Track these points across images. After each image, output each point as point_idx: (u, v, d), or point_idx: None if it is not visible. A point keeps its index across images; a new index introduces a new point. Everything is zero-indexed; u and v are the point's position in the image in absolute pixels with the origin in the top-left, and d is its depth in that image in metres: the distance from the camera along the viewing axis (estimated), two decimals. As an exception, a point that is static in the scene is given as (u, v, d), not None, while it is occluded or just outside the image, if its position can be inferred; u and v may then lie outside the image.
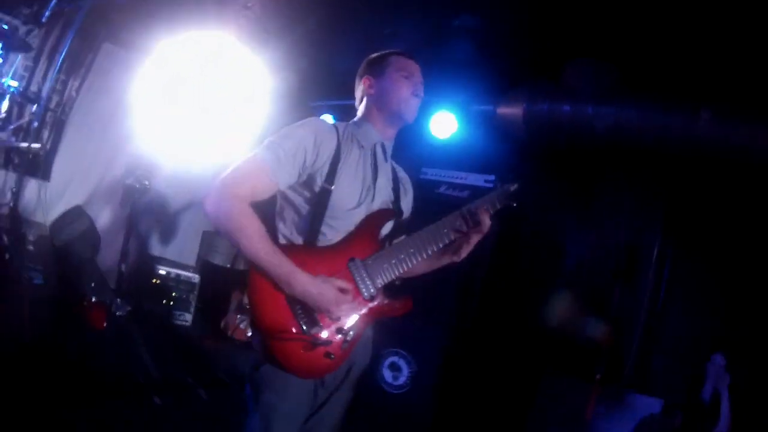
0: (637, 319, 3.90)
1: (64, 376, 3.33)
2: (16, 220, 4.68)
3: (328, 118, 5.39)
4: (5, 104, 4.63)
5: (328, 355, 1.85)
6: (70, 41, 5.12)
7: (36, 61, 5.26)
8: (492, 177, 4.40)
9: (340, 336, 1.88)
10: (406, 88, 2.09)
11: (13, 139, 4.85)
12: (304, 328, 1.83)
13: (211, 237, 5.89)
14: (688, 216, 3.86)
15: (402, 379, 4.29)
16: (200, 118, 5.33)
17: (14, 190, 4.74)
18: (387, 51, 2.18)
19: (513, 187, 2.11)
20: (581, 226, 4.28)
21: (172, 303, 5.13)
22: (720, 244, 3.65)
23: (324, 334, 1.86)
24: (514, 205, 2.11)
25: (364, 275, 1.95)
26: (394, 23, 4.23)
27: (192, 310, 5.24)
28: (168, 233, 5.82)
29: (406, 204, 2.24)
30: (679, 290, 3.89)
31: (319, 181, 1.93)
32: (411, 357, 4.28)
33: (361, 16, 4.27)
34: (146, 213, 5.52)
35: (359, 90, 2.19)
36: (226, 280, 5.39)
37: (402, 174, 2.28)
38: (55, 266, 4.50)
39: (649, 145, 3.60)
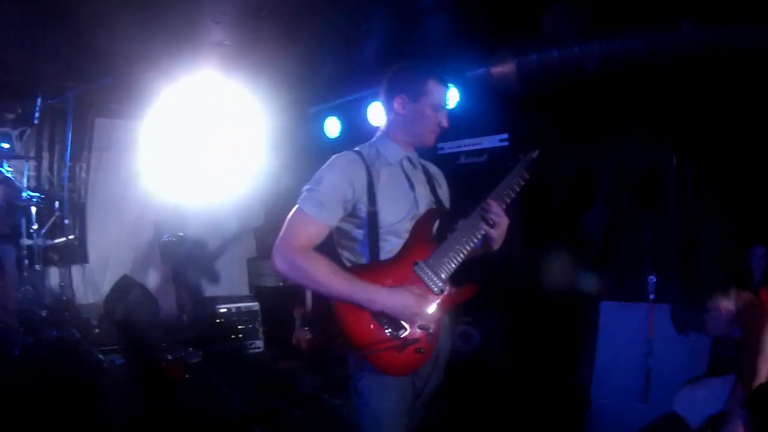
0: (673, 237, 3.94)
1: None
2: (74, 309, 4.90)
3: (334, 122, 5.65)
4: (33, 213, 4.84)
5: (418, 350, 2.04)
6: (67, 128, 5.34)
7: (38, 159, 5.46)
8: (505, 135, 4.47)
9: (424, 332, 2.06)
10: (435, 121, 2.21)
11: (48, 240, 5.07)
12: (393, 334, 2.02)
13: (256, 263, 6.06)
14: (697, 129, 3.84)
15: (473, 345, 4.46)
16: (207, 156, 5.52)
17: (62, 283, 4.96)
18: (425, 71, 2.23)
19: (534, 155, 2.24)
20: (598, 164, 4.32)
21: (240, 335, 5.31)
22: (734, 147, 3.62)
23: (411, 335, 2.04)
24: (539, 170, 2.23)
25: (430, 273, 2.11)
26: (370, 14, 4.29)
27: (260, 336, 5.42)
28: (215, 272, 6.00)
29: (444, 196, 2.37)
30: (705, 204, 3.90)
31: (363, 207, 2.10)
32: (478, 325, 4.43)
33: (334, 16, 4.33)
34: (188, 261, 5.70)
35: (387, 103, 2.27)
36: (283, 299, 5.54)
37: (433, 170, 2.41)
38: (122, 340, 4.73)
39: (641, 69, 3.62)
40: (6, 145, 5.05)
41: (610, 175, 4.25)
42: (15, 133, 5.11)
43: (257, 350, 5.36)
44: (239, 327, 5.32)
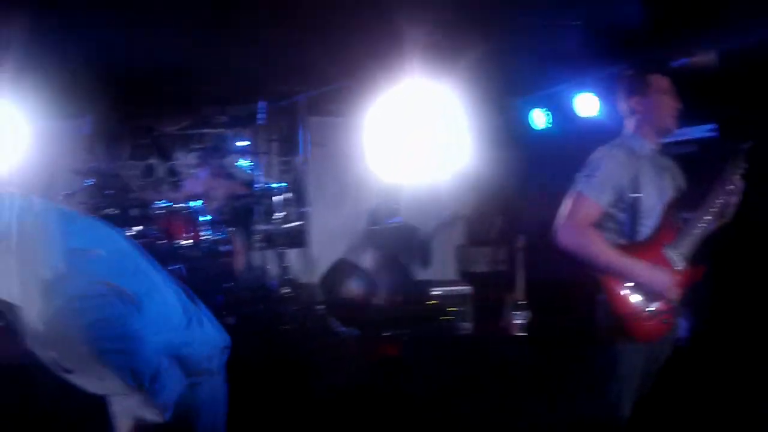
0: None
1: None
2: (297, 288, 5.34)
3: (540, 114, 5.60)
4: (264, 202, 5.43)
5: (665, 320, 2.40)
6: (281, 126, 5.90)
7: (267, 154, 6.07)
8: (712, 125, 4.34)
9: (669, 304, 2.40)
10: (669, 105, 2.54)
11: (276, 226, 5.60)
12: (647, 305, 2.37)
13: (465, 250, 6.15)
14: None
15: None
16: (419, 148, 5.71)
17: (286, 265, 5.43)
18: (641, 68, 2.62)
19: (747, 146, 2.52)
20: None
21: (451, 318, 5.40)
22: None
23: (661, 306, 2.38)
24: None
25: (676, 255, 2.45)
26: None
27: (470, 319, 5.47)
28: (426, 257, 6.17)
29: (682, 184, 2.64)
30: None
31: (629, 195, 2.43)
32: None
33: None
34: (401, 246, 5.93)
35: (627, 107, 2.60)
36: (494, 285, 5.59)
37: (668, 162, 2.66)
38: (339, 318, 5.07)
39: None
40: (245, 143, 5.74)
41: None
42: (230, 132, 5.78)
43: (466, 332, 5.42)
44: (450, 309, 5.42)
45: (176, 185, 5.90)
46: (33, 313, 1.35)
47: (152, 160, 6.21)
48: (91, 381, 1.53)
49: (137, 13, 4.23)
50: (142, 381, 1.43)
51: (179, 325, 1.61)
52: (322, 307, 5.18)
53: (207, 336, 1.70)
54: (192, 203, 5.06)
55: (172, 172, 6.14)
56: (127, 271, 1.51)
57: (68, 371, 1.49)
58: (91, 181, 5.35)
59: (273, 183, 5.68)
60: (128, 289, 1.44)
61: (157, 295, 1.55)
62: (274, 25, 4.74)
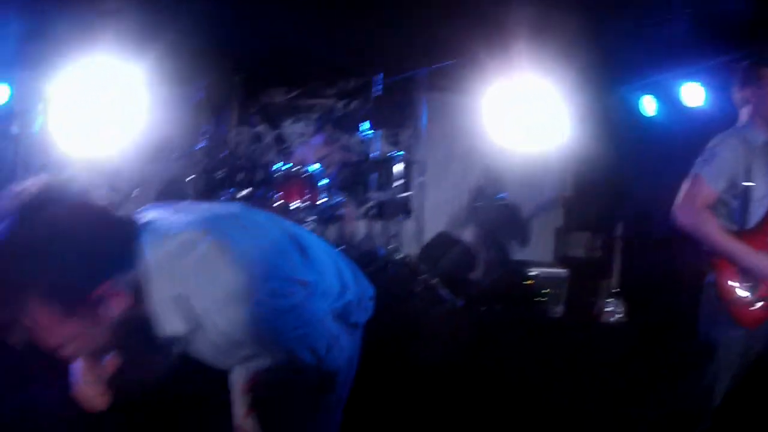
0: None
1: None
2: (404, 256, 5.65)
3: (650, 101, 5.61)
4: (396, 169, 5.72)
5: (765, 307, 2.48)
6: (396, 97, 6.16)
7: (380, 127, 6.30)
8: None
9: None
10: None
11: (385, 196, 5.92)
12: (752, 290, 2.48)
13: (564, 234, 6.26)
14: None
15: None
16: (526, 127, 5.85)
17: (393, 234, 5.74)
18: (759, 61, 2.65)
19: None
20: None
21: (544, 300, 5.55)
22: None
23: (763, 292, 2.48)
24: None
25: None
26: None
27: (563, 302, 5.59)
28: (524, 237, 6.35)
29: None
30: None
31: (741, 182, 2.53)
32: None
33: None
34: (501, 224, 6.13)
35: (741, 98, 2.67)
36: (590, 270, 5.69)
37: None
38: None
39: None
40: (363, 114, 6.09)
41: None
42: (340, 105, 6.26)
43: (557, 315, 5.55)
44: (544, 291, 5.56)
45: (286, 152, 6.33)
46: (215, 328, 1.32)
47: (261, 128, 6.69)
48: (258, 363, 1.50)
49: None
50: (319, 355, 1.47)
51: (344, 286, 1.65)
52: (429, 275, 5.41)
53: (363, 289, 1.75)
54: (310, 167, 5.35)
55: (281, 139, 6.59)
56: (297, 256, 1.51)
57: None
58: (203, 144, 5.85)
59: (390, 152, 5.97)
60: (303, 274, 1.46)
61: (322, 267, 1.58)
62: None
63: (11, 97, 5.45)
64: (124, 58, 5.33)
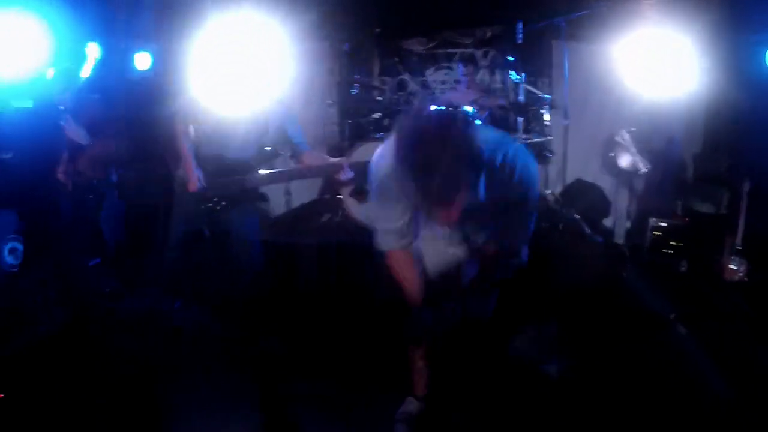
0: None
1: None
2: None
3: None
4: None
5: None
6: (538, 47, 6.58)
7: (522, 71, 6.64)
8: None
9: None
10: None
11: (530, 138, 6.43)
12: None
13: (691, 187, 6.58)
14: None
15: None
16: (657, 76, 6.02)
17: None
18: None
19: None
20: None
21: (671, 252, 6.02)
22: None
23: None
24: None
25: None
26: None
27: (688, 256, 6.02)
28: (655, 190, 6.70)
29: None
30: None
31: None
32: None
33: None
34: (633, 175, 6.55)
35: None
36: (715, 226, 5.94)
37: None
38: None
39: None
40: (511, 59, 6.45)
41: None
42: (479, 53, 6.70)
43: (682, 269, 5.99)
44: (672, 243, 6.02)
45: (434, 97, 6.80)
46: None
47: (404, 76, 7.13)
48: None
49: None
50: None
51: None
52: (572, 212, 5.95)
53: None
54: (465, 108, 5.72)
55: (426, 86, 7.04)
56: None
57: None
58: (355, 91, 6.33)
59: (535, 97, 6.38)
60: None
61: None
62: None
63: (153, 64, 5.72)
64: (268, 16, 5.42)
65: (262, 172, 4.25)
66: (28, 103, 4.25)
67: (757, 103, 5.71)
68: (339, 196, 5.93)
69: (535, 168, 2.53)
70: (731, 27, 5.68)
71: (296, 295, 4.88)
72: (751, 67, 5.77)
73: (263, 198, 4.30)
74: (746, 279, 5.44)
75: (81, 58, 4.38)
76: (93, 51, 4.60)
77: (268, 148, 4.29)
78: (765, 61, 5.58)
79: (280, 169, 4.64)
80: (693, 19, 5.55)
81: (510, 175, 2.37)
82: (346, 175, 4.27)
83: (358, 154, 5.58)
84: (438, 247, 2.83)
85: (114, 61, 5.11)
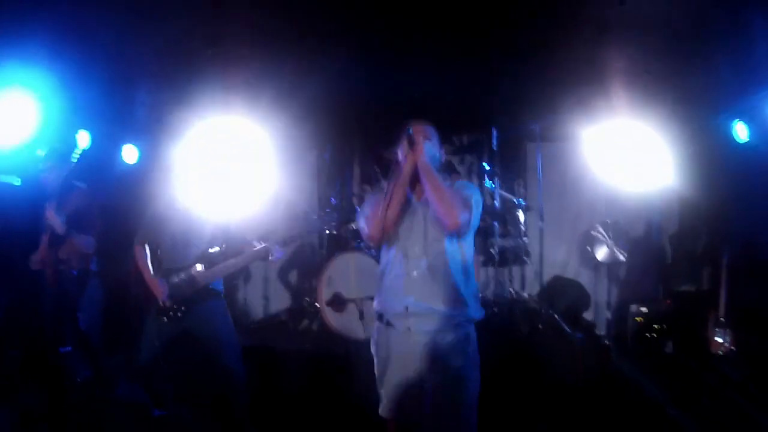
0: None
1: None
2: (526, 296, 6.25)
3: (742, 127, 5.33)
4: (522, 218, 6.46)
5: None
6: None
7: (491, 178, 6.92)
8: None
9: None
10: None
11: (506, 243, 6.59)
12: None
13: (671, 268, 6.69)
14: None
15: None
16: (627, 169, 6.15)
17: (510, 279, 6.34)
18: None
19: None
20: None
21: (654, 335, 6.04)
22: None
23: None
24: None
25: None
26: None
27: (671, 337, 6.02)
28: (627, 278, 6.80)
29: None
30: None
31: None
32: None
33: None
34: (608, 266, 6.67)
35: None
36: (697, 303, 5.99)
37: None
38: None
39: None
40: (487, 167, 6.74)
41: None
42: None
43: (667, 350, 5.97)
44: (655, 327, 6.00)
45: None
46: None
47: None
48: None
49: (368, 54, 5.17)
50: None
51: None
52: (551, 312, 5.93)
53: None
54: None
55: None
56: None
57: None
58: (334, 202, 6.59)
59: (513, 198, 6.57)
60: None
61: None
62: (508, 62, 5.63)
63: (140, 158, 5.84)
64: (254, 123, 5.77)
65: (198, 268, 4.12)
66: (16, 180, 4.37)
67: (730, 177, 5.78)
68: (316, 305, 5.95)
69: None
70: (696, 108, 5.80)
71: (275, 400, 4.73)
72: (720, 142, 5.78)
73: (219, 296, 4.22)
74: (733, 348, 5.39)
75: (71, 143, 4.53)
76: (83, 139, 4.78)
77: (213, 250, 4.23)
78: (733, 135, 5.58)
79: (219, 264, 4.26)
80: (659, 106, 5.75)
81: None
82: (277, 255, 4.28)
83: (337, 263, 5.78)
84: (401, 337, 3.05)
85: (102, 151, 5.24)
